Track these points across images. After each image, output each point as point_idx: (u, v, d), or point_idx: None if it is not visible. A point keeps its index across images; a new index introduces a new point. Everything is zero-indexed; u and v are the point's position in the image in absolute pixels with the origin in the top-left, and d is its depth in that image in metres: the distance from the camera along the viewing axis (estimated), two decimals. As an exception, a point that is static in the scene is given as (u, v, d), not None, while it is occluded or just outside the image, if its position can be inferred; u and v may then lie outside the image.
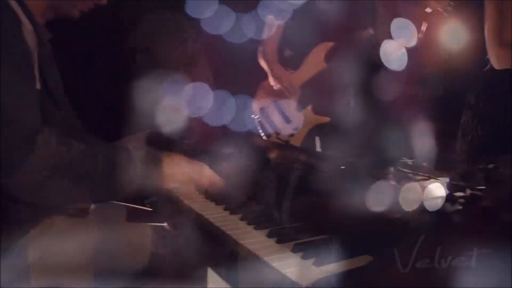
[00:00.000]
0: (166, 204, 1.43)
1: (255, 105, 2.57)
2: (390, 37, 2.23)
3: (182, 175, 1.30)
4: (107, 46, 2.78)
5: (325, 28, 2.36)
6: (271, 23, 2.53)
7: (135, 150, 1.22)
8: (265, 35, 2.56)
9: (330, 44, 2.43)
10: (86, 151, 1.13)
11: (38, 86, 1.13)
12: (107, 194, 1.18)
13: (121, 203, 1.44)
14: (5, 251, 1.09)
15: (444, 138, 2.14)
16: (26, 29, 1.10)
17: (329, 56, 2.42)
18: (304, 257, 0.96)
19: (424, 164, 1.20)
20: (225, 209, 1.30)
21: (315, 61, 2.46)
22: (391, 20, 2.20)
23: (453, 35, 2.28)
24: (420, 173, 1.10)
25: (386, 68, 2.18)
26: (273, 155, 1.47)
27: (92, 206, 1.34)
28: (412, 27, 2.19)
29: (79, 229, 1.25)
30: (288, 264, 0.93)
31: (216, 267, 1.12)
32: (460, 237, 0.81)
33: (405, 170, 1.14)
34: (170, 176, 1.26)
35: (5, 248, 1.10)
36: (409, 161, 1.20)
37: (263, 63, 2.58)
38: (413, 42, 2.20)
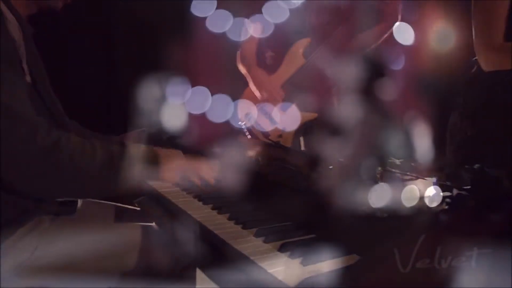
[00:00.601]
0: (154, 204, 1.42)
1: (241, 111, 2.43)
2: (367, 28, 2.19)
3: (181, 169, 1.27)
4: (93, 40, 2.73)
5: (304, 24, 2.25)
6: (250, 25, 2.38)
7: (131, 145, 1.21)
8: (243, 37, 2.40)
9: (307, 39, 2.31)
10: (85, 143, 1.10)
11: (28, 79, 1.11)
12: (105, 187, 1.15)
13: (109, 202, 1.43)
14: None
15: (434, 138, 2.14)
16: (12, 24, 1.09)
17: (308, 52, 2.31)
18: (291, 256, 0.93)
19: (412, 164, 1.20)
20: (213, 209, 1.26)
21: (294, 58, 2.33)
22: (369, 10, 2.16)
23: (441, 34, 2.27)
24: (408, 173, 1.10)
25: (369, 62, 2.14)
26: (261, 155, 1.46)
27: (79, 205, 1.32)
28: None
29: (67, 229, 1.21)
30: (275, 264, 0.90)
31: (204, 266, 1.11)
32: (460, 237, 0.79)
33: (393, 170, 1.14)
34: (168, 171, 1.24)
35: None
36: (397, 161, 1.20)
37: (241, 68, 2.43)
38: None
